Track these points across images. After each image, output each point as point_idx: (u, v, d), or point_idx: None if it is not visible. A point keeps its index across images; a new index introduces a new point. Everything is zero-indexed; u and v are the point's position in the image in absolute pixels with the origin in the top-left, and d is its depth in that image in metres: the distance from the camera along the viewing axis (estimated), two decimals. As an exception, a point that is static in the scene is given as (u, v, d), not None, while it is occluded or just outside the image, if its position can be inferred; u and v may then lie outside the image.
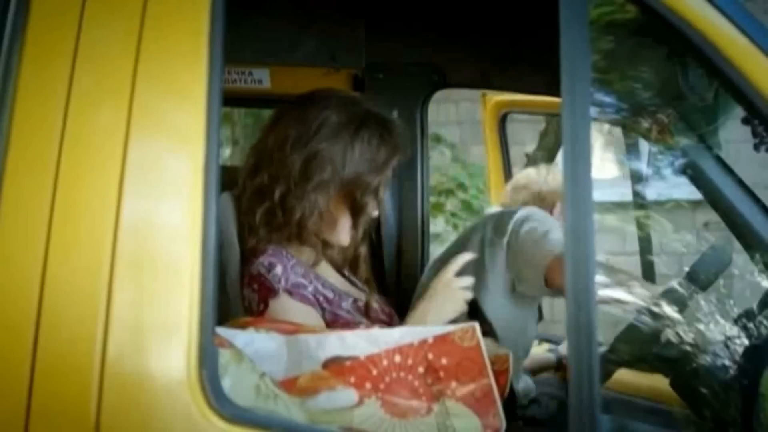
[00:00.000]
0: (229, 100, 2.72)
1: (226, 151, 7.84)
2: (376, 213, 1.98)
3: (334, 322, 1.85)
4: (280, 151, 1.87)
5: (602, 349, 2.02)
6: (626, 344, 2.00)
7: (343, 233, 1.93)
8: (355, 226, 1.93)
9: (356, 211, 1.91)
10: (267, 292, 1.82)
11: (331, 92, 1.99)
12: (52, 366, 1.25)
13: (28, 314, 1.25)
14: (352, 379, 1.48)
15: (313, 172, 1.85)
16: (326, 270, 1.99)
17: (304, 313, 1.82)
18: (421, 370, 1.51)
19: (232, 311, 1.90)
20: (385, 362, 1.50)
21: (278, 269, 1.83)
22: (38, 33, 1.33)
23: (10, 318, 1.27)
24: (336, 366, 1.50)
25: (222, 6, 1.33)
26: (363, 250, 2.01)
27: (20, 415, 1.24)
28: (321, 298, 1.86)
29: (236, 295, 1.91)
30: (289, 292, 1.82)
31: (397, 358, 1.51)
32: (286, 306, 1.82)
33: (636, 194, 2.82)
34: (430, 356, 1.51)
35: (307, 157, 1.85)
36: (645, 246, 2.93)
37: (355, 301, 1.93)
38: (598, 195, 1.21)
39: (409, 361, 1.51)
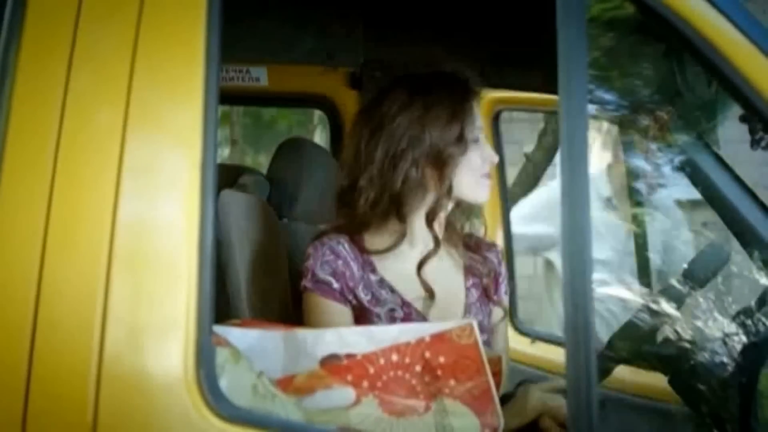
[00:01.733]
0: (227, 97, 2.72)
1: (225, 151, 7.84)
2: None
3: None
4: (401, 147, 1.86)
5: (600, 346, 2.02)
6: (624, 341, 2.00)
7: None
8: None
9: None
10: (300, 283, 1.88)
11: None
12: (49, 366, 1.25)
13: (25, 314, 1.25)
14: (349, 378, 1.48)
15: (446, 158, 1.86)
16: (404, 256, 1.92)
17: (331, 309, 1.83)
18: (418, 368, 1.50)
19: (232, 310, 1.89)
20: (382, 360, 1.50)
21: (309, 262, 1.86)
22: (35, 32, 1.33)
23: (7, 317, 1.27)
24: (333, 364, 1.49)
25: (219, 4, 1.32)
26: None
27: (17, 415, 1.23)
28: (350, 297, 1.84)
29: (236, 292, 1.91)
30: (312, 289, 1.85)
31: (395, 357, 1.50)
32: (312, 302, 1.85)
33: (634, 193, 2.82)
34: (428, 354, 1.51)
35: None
36: (642, 244, 2.93)
37: (392, 310, 1.87)
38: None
39: (407, 360, 1.50)
